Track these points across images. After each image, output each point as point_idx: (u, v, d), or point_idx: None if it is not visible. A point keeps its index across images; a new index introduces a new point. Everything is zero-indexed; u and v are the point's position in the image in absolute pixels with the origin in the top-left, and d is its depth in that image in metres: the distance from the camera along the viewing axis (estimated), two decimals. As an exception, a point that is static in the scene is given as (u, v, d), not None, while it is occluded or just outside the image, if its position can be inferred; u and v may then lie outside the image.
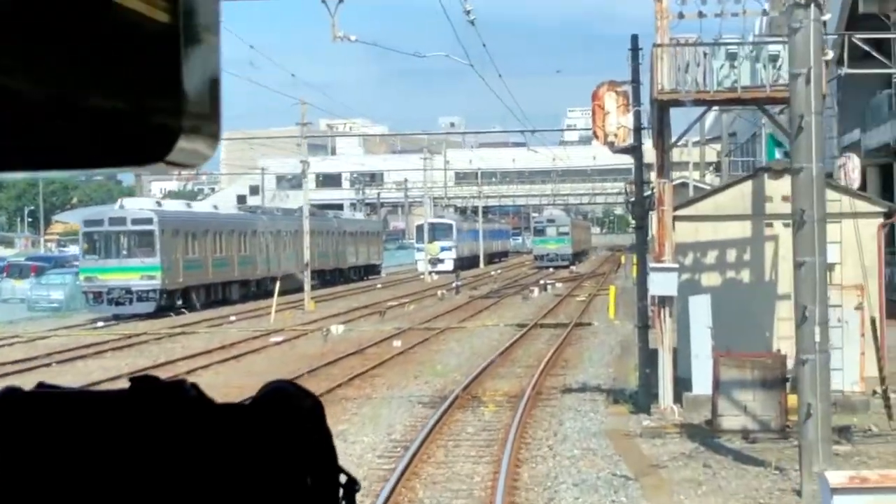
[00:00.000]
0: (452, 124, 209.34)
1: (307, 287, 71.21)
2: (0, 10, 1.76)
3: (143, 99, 1.78)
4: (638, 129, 33.60)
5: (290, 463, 2.10)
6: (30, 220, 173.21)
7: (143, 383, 2.10)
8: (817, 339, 23.32)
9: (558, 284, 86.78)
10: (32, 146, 1.83)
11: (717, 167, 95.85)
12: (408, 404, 34.72)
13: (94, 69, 1.79)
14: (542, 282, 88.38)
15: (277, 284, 67.76)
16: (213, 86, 1.82)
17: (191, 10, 1.79)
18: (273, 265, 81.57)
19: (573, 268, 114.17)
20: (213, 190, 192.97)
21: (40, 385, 2.16)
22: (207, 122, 1.81)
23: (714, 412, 29.34)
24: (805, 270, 23.42)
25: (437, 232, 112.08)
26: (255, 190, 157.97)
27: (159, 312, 66.03)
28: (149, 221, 67.20)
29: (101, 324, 63.33)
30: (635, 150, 34.51)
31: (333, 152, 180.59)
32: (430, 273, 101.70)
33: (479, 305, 70.81)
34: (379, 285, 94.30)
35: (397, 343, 50.10)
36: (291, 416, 2.10)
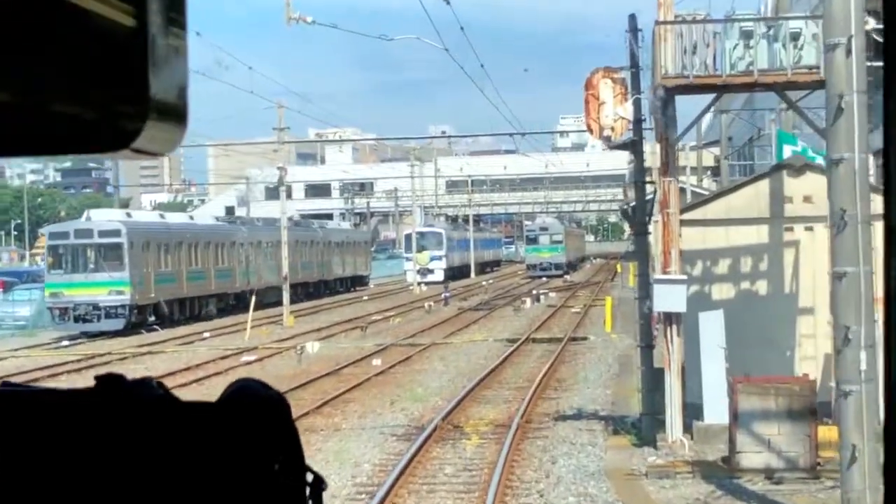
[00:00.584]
0: (444, 131, 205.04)
1: (286, 301, 66.59)
2: None
3: (109, 86, 1.75)
4: (638, 121, 28.92)
5: (256, 460, 2.06)
6: (16, 233, 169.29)
7: (108, 381, 2.08)
8: (863, 366, 18.92)
9: (552, 294, 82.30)
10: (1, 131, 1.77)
11: (715, 171, 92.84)
12: (379, 437, 30.29)
13: (59, 56, 1.75)
14: (534, 292, 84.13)
15: (252, 299, 63.29)
16: (180, 74, 1.79)
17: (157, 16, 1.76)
18: (253, 278, 77.05)
19: (567, 277, 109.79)
20: (202, 201, 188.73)
21: (4, 384, 2.17)
22: (174, 109, 1.77)
23: (732, 448, 24.89)
24: (847, 283, 18.95)
25: (427, 241, 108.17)
26: (243, 200, 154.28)
27: (130, 330, 61.58)
28: (117, 233, 62.58)
29: (66, 342, 58.94)
30: (635, 146, 29.85)
31: (323, 161, 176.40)
32: (419, 284, 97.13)
33: (467, 318, 66.31)
34: (366, 297, 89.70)
35: (377, 362, 45.81)
36: (257, 414, 2.08)
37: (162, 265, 65.79)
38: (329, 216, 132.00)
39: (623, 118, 28.15)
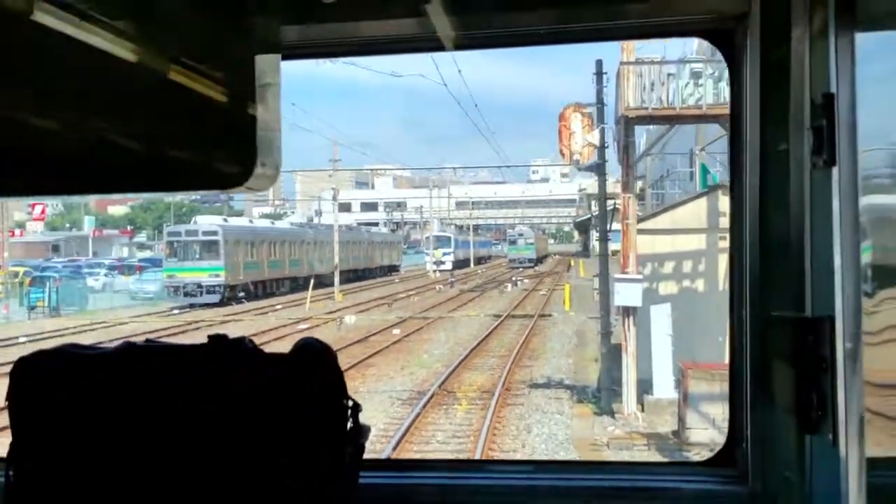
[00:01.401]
0: (455, 169, 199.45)
1: (336, 282, 60.49)
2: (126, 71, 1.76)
3: (232, 144, 1.77)
4: (602, 147, 22.93)
5: (316, 391, 2.08)
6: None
7: (217, 338, 2.14)
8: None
9: (526, 280, 76.07)
10: (153, 173, 1.79)
11: (640, 198, 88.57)
12: (387, 402, 24.22)
13: (196, 121, 1.77)
14: (514, 279, 77.93)
15: (311, 282, 57.22)
16: (276, 133, 1.76)
17: (262, 79, 1.73)
18: (317, 265, 70.87)
19: (536, 268, 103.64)
20: (293, 212, 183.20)
21: (147, 340, 2.22)
22: (272, 159, 1.76)
23: (682, 425, 18.90)
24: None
25: (441, 242, 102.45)
26: (317, 212, 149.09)
27: (224, 302, 55.52)
28: (215, 233, 56.44)
29: (176, 311, 52.88)
30: (599, 168, 23.92)
31: (373, 187, 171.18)
32: (434, 272, 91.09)
33: (465, 298, 60.11)
34: (397, 280, 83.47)
35: (396, 331, 39.70)
36: (316, 361, 2.11)
37: (249, 256, 59.68)
38: (376, 224, 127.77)
39: (591, 144, 22.17)
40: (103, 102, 1.72)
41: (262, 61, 1.75)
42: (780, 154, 3.02)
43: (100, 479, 2.10)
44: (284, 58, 2.19)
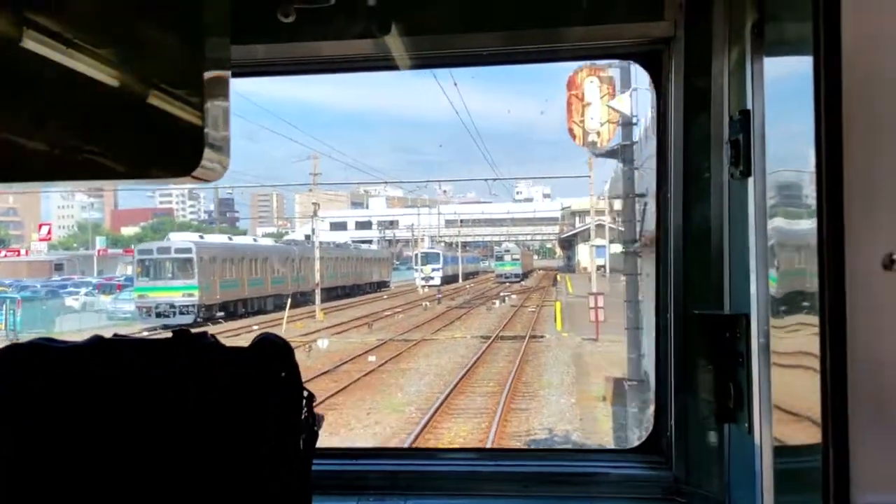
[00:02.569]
0: (445, 191, 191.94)
1: (317, 301, 52.20)
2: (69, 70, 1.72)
3: (181, 132, 1.71)
4: (629, 123, 14.72)
5: (273, 382, 2.05)
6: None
7: (180, 333, 2.10)
8: None
9: (513, 296, 68.00)
10: (98, 160, 1.77)
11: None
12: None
13: (141, 105, 1.72)
14: (501, 294, 69.91)
15: (289, 301, 49.03)
16: (225, 121, 1.71)
17: (209, 77, 1.69)
18: (302, 283, 62.70)
19: (523, 283, 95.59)
20: (293, 231, 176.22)
21: (115, 334, 2.16)
22: (221, 147, 1.71)
23: None
24: None
25: (430, 258, 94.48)
26: (315, 230, 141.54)
27: (200, 323, 47.35)
28: (188, 250, 48.22)
29: (145, 333, 44.68)
30: (625, 151, 15.69)
31: (367, 206, 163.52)
32: (422, 287, 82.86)
33: (452, 315, 51.97)
34: (385, 296, 75.27)
35: (372, 358, 31.65)
36: (275, 354, 2.08)
37: (227, 274, 51.43)
38: (370, 241, 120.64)
39: (615, 114, 14.04)
40: (62, 100, 1.70)
41: (210, 48, 1.68)
42: (701, 166, 3.09)
43: (74, 471, 2.02)
44: (248, 75, 2.55)
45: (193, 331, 2.14)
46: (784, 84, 2.09)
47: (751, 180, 2.58)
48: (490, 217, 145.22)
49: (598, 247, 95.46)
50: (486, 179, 60.25)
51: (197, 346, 2.08)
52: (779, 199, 2.16)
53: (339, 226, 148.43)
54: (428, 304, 60.13)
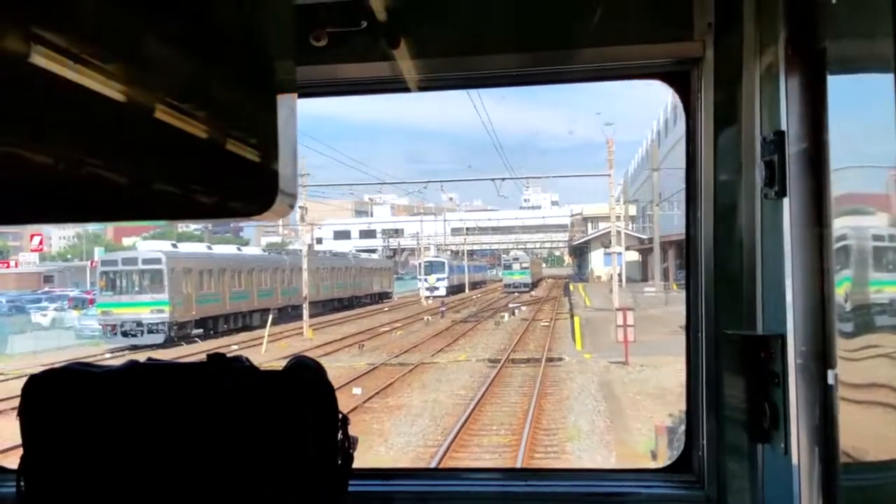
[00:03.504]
0: (451, 198, 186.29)
1: (305, 316, 45.89)
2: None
3: (252, 176, 1.72)
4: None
5: (308, 405, 2.03)
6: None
7: (215, 357, 2.07)
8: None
9: (524, 308, 61.67)
10: (176, 200, 1.75)
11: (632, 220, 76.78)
12: None
13: (217, 149, 1.73)
14: (510, 305, 63.70)
15: (270, 318, 42.90)
16: (294, 166, 1.73)
17: (281, 119, 1.70)
18: (294, 296, 56.56)
19: (532, 292, 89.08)
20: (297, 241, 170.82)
21: (149, 359, 2.15)
22: (290, 191, 1.72)
23: None
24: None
25: (435, 267, 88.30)
26: (318, 240, 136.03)
27: (173, 342, 41.24)
28: (157, 261, 41.94)
29: (108, 355, 38.58)
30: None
31: (372, 214, 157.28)
32: (426, 298, 76.49)
33: (456, 331, 45.72)
34: (386, 308, 68.99)
35: (357, 391, 25.42)
36: (309, 377, 2.04)
37: (204, 287, 45.29)
38: (374, 250, 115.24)
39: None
40: (127, 139, 1.71)
41: (281, 96, 1.70)
42: (732, 186, 3.03)
43: (106, 493, 2.00)
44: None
45: (229, 354, 2.06)
46: (849, 102, 1.95)
47: (786, 200, 2.56)
48: (497, 225, 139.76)
49: (609, 254, 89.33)
50: (493, 179, 53.28)
51: (231, 371, 2.03)
52: (842, 219, 2.03)
53: (342, 234, 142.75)
54: (430, 318, 53.83)
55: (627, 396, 23.64)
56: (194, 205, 1.75)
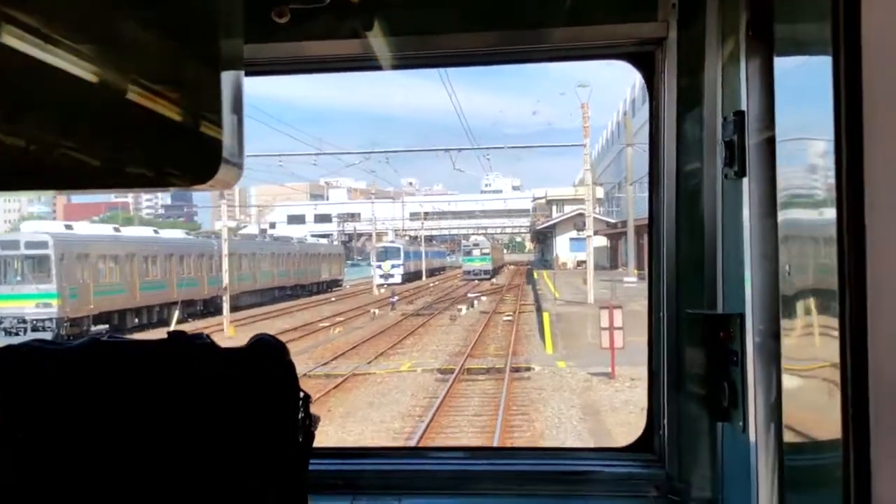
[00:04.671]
0: (411, 183, 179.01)
1: (226, 311, 38.15)
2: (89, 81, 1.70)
3: (196, 144, 1.69)
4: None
5: (269, 383, 1.97)
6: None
7: (176, 334, 2.02)
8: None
9: (484, 298, 54.53)
10: (114, 169, 1.74)
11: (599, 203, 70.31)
12: None
13: (158, 114, 1.71)
14: (469, 295, 56.71)
15: (176, 313, 35.36)
16: (241, 136, 1.69)
17: (227, 89, 1.69)
18: (231, 284, 48.94)
19: (493, 280, 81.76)
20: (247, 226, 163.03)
21: (111, 336, 2.05)
22: (235, 161, 1.69)
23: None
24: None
25: (389, 253, 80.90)
26: (273, 224, 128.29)
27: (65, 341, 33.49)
28: (44, 245, 34.04)
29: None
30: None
31: (328, 198, 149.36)
32: (380, 287, 68.86)
33: (406, 327, 38.52)
34: (333, 298, 61.35)
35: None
36: (271, 354, 1.99)
37: (105, 276, 37.58)
38: (327, 235, 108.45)
39: None
40: (73, 110, 1.68)
41: (226, 66, 1.70)
42: (694, 166, 3.00)
43: (67, 472, 1.95)
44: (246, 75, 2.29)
45: (189, 331, 2.02)
46: (795, 84, 1.96)
47: (745, 180, 2.53)
48: (457, 209, 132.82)
49: (576, 239, 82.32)
50: (447, 150, 45.53)
51: (192, 347, 2.00)
52: (789, 198, 2.01)
53: (296, 219, 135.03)
54: (377, 311, 46.47)
55: (621, 430, 16.66)
56: (134, 174, 1.69)
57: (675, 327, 3.10)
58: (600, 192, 75.43)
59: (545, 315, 33.27)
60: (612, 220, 71.65)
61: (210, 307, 45.11)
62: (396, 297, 52.00)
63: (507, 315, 41.75)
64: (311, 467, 2.07)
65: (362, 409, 20.15)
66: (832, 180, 1.63)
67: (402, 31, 3.13)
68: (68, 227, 36.64)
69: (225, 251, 39.17)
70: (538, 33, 3.15)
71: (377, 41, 3.11)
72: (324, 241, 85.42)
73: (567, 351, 27.50)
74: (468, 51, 3.26)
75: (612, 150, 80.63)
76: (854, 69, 1.58)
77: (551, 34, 3.16)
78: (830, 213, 1.64)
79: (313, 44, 3.16)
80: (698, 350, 2.82)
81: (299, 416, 2.01)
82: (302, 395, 2.02)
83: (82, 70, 1.68)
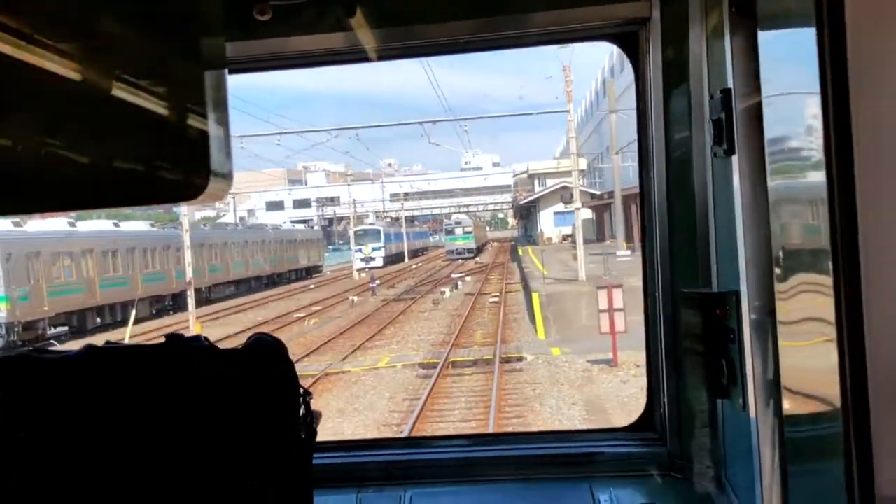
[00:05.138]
0: (390, 164, 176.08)
1: (191, 306, 35.19)
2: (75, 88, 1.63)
3: (184, 158, 1.66)
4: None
5: (269, 381, 1.97)
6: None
7: (173, 337, 2.01)
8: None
9: (468, 279, 51.93)
10: (109, 188, 1.69)
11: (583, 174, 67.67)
12: None
13: (147, 137, 1.68)
14: (453, 276, 54.22)
15: (133, 312, 32.54)
16: (228, 147, 1.66)
17: (210, 93, 1.65)
18: (203, 277, 46.06)
19: (477, 259, 79.00)
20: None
21: (107, 342, 2.05)
22: (226, 169, 1.66)
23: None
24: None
25: (370, 236, 78.13)
26: (252, 212, 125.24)
27: (18, 347, 30.53)
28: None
29: None
30: None
31: (306, 183, 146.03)
32: (360, 272, 65.93)
33: (385, 315, 35.86)
34: (312, 286, 58.43)
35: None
36: (269, 353, 2.00)
37: (62, 276, 34.67)
38: (306, 221, 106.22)
39: None
40: (55, 122, 1.63)
41: (210, 77, 1.66)
42: (683, 145, 3.00)
43: (67, 481, 1.91)
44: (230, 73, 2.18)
45: (186, 335, 2.03)
46: (780, 58, 1.95)
47: (735, 158, 2.48)
48: (437, 188, 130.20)
49: (562, 213, 79.50)
50: (422, 122, 42.38)
51: (190, 350, 1.98)
52: (778, 173, 2.01)
53: (275, 205, 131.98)
54: (356, 298, 43.75)
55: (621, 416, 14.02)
56: (123, 191, 1.65)
57: (671, 306, 3.11)
58: (583, 164, 72.85)
59: (534, 296, 30.63)
60: (597, 192, 69.08)
61: (179, 302, 42.27)
62: (377, 282, 49.28)
63: (493, 296, 39.16)
64: (316, 461, 2.06)
65: (331, 419, 17.47)
66: (821, 155, 1.60)
67: (384, 22, 3.09)
68: (16, 224, 33.64)
69: (186, 242, 36.09)
70: (521, 18, 3.14)
71: (360, 33, 3.08)
72: (301, 226, 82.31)
73: (561, 336, 24.93)
74: (452, 39, 3.23)
75: (593, 120, 77.90)
76: (838, 40, 1.56)
77: (535, 18, 3.14)
78: (821, 187, 1.60)
79: (297, 39, 3.13)
80: (695, 328, 2.79)
81: (300, 413, 1.99)
82: (302, 391, 2.00)
83: (64, 87, 1.58)
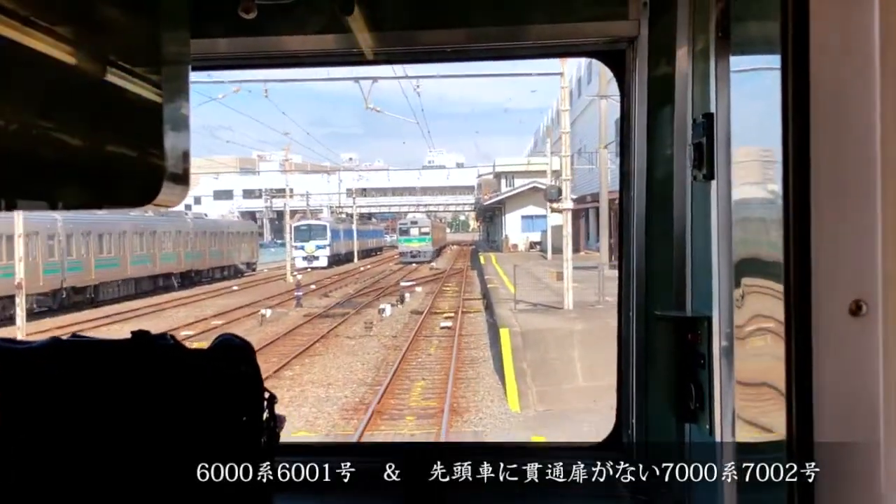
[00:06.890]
0: (351, 158, 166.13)
1: (21, 318, 24.69)
2: (27, 84, 1.54)
3: (141, 161, 1.59)
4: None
5: (234, 383, 1.90)
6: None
7: (140, 334, 1.94)
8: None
9: (418, 290, 42.16)
10: (60, 189, 1.63)
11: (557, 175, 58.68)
12: None
13: (103, 137, 1.61)
14: (401, 284, 44.55)
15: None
16: (185, 149, 1.58)
17: (171, 95, 1.56)
18: (83, 273, 35.72)
19: (433, 264, 69.02)
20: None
21: (73, 335, 1.99)
22: (182, 175, 1.60)
23: None
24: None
25: (314, 232, 68.26)
26: (198, 200, 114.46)
27: None
28: None
29: None
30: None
31: (259, 173, 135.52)
32: (296, 273, 55.70)
33: (301, 339, 25.84)
34: (235, 287, 48.17)
35: None
36: (235, 355, 1.93)
37: None
38: (256, 212, 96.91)
39: None
40: (6, 127, 1.54)
41: (170, 72, 1.58)
42: (665, 166, 2.94)
43: (29, 472, 1.87)
44: (209, 68, 2.15)
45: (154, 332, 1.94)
46: (750, 86, 1.98)
47: (714, 183, 2.49)
48: (397, 186, 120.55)
49: (530, 217, 69.86)
50: (356, 79, 32.53)
51: (157, 348, 1.92)
52: (742, 203, 2.05)
53: (223, 194, 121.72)
54: (269, 313, 33.51)
55: None
56: (74, 194, 1.61)
57: (643, 327, 3.11)
58: (557, 164, 63.94)
59: (503, 334, 20.76)
60: (573, 196, 59.68)
61: (64, 305, 32.03)
62: (302, 291, 39.13)
63: (446, 319, 29.40)
64: (276, 466, 2.00)
65: None
66: (779, 185, 1.63)
67: (373, 26, 3.07)
68: None
69: (19, 230, 25.53)
70: (510, 30, 3.14)
71: (346, 37, 3.07)
72: (232, 217, 71.79)
73: (545, 407, 15.23)
74: (438, 47, 3.23)
75: (573, 110, 68.75)
76: (802, 69, 1.59)
77: (523, 32, 3.16)
78: (777, 216, 1.63)
79: (283, 39, 3.11)
80: (666, 351, 2.79)
81: (263, 416, 1.92)
82: (267, 395, 1.93)
83: (18, 86, 1.52)
